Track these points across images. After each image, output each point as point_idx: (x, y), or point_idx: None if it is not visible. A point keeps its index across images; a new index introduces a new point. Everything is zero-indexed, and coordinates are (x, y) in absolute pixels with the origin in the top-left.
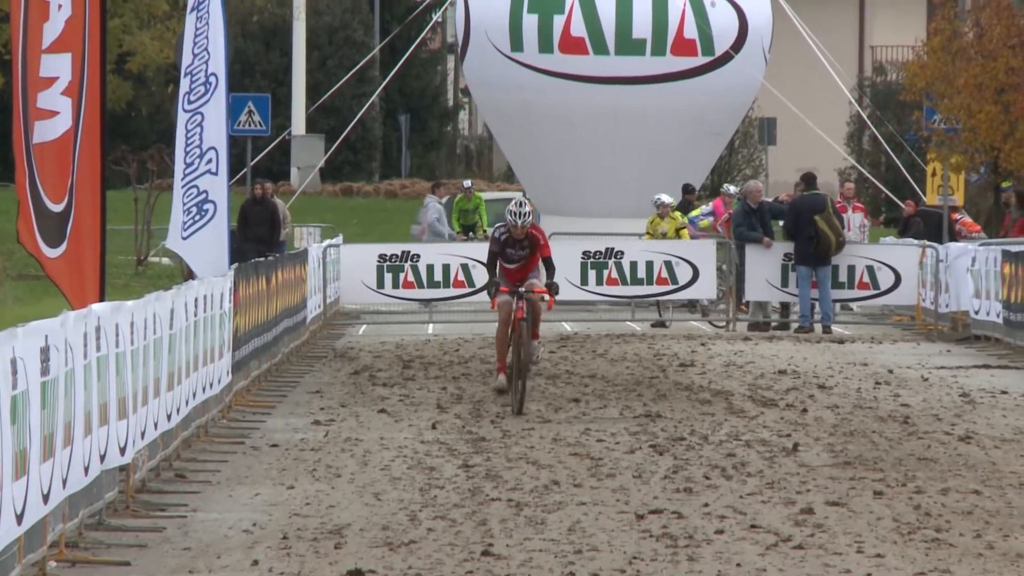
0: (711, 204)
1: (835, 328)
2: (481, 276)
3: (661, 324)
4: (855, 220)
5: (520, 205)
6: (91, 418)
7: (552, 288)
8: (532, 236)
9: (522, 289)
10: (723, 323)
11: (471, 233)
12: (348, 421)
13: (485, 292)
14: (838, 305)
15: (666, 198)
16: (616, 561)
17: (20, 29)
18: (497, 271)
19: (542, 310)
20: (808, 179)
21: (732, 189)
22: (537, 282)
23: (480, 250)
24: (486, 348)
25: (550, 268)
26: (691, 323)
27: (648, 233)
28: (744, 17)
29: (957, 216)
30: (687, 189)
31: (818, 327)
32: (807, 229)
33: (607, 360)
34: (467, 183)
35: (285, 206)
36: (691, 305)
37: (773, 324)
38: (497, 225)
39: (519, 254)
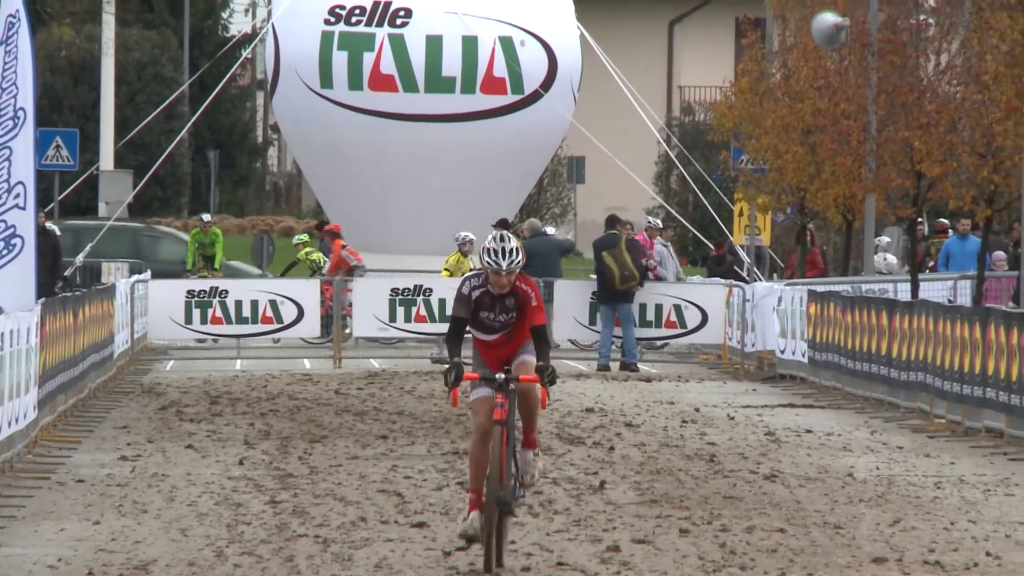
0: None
1: (642, 367)
2: (290, 313)
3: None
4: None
5: (503, 240)
6: None
7: (545, 374)
8: (520, 292)
9: (502, 376)
10: None
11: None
12: (155, 457)
13: (443, 382)
14: (643, 344)
15: (471, 235)
16: None
17: None
18: (471, 350)
19: (537, 405)
20: (608, 220)
21: (656, 221)
22: (530, 360)
23: (289, 286)
24: (294, 384)
25: (542, 344)
26: None
27: (447, 270)
28: (554, 56)
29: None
30: (503, 224)
31: (616, 365)
32: (599, 266)
33: (415, 397)
34: (206, 217)
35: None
36: None
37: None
38: (467, 275)
39: (501, 319)
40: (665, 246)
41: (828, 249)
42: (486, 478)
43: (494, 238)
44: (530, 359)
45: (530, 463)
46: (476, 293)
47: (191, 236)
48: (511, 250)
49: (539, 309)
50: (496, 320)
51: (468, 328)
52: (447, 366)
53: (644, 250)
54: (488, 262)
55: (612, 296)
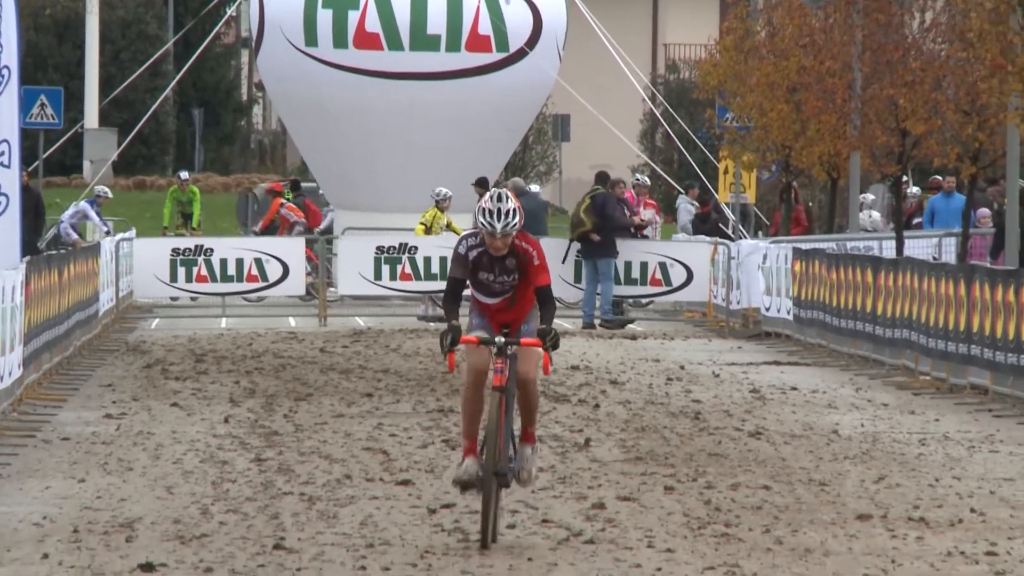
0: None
1: (628, 325)
2: (275, 271)
3: (435, 319)
4: (646, 216)
5: (500, 200)
6: None
7: (547, 338)
8: (520, 252)
9: (501, 339)
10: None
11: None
12: (140, 415)
13: (439, 347)
14: (630, 301)
15: (448, 191)
16: (408, 555)
17: None
18: (469, 313)
19: (537, 376)
20: (597, 176)
21: (644, 179)
22: (534, 351)
23: (274, 244)
24: (279, 342)
25: (547, 306)
26: None
27: (423, 224)
28: (539, 14)
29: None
30: (482, 183)
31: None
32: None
33: (400, 355)
34: (184, 175)
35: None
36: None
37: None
38: (465, 233)
39: (501, 281)
40: (693, 205)
41: (813, 206)
42: (482, 434)
43: (491, 197)
44: (532, 350)
45: (527, 459)
46: (474, 253)
47: (169, 194)
48: (508, 211)
49: (542, 268)
50: (496, 282)
51: (468, 288)
52: (443, 329)
53: (631, 207)
54: (483, 223)
55: (588, 251)
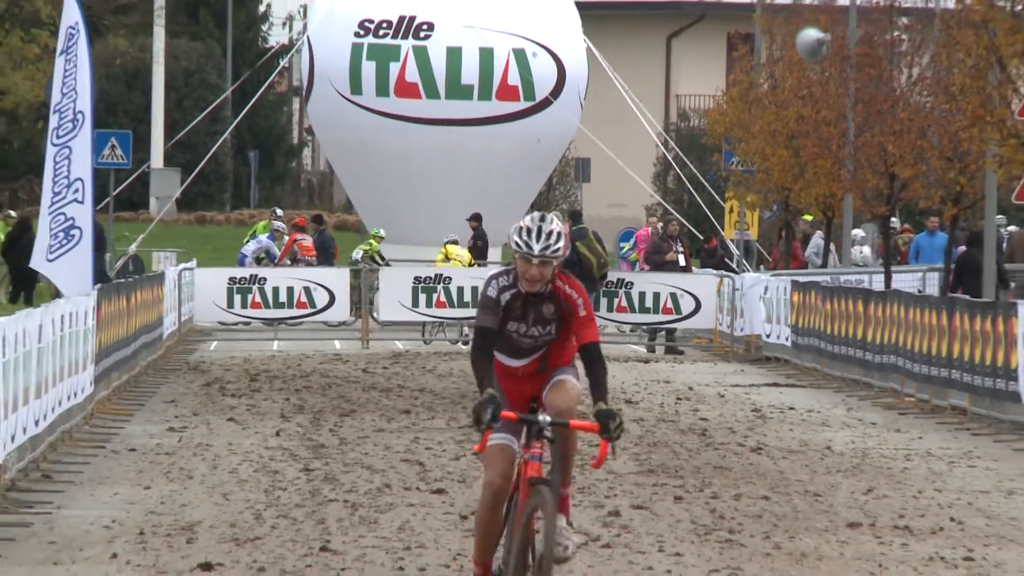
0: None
1: (638, 348)
2: (322, 298)
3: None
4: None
5: (543, 219)
6: None
7: (612, 426)
8: (563, 297)
9: (543, 417)
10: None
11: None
12: (200, 428)
13: (474, 422)
14: (643, 328)
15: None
16: (442, 557)
17: None
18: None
19: (575, 448)
20: (574, 215)
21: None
22: (570, 383)
23: (322, 274)
24: (325, 363)
25: (598, 368)
26: None
27: (448, 259)
28: (562, 67)
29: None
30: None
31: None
32: (571, 256)
33: (435, 375)
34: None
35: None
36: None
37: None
38: (493, 273)
39: (535, 334)
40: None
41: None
42: (504, 552)
43: (532, 216)
44: (569, 380)
45: (561, 532)
46: (506, 296)
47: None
48: (551, 232)
49: (589, 320)
50: (528, 335)
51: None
52: (480, 398)
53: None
54: (517, 243)
55: (591, 286)
